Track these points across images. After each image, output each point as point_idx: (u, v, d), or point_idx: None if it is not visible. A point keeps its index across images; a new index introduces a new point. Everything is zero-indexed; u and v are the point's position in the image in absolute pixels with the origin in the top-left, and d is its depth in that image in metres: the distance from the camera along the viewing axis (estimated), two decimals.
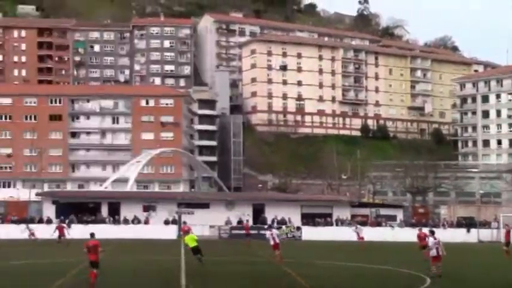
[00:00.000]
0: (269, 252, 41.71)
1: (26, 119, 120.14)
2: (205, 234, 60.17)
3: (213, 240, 60.21)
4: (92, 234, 28.83)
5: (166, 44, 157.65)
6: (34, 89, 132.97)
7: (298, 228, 67.99)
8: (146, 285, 30.11)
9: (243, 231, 62.67)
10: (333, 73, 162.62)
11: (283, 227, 66.83)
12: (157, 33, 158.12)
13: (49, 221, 62.78)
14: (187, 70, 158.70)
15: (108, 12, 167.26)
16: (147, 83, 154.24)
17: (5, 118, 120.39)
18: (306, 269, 35.92)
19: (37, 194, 76.58)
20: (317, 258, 43.79)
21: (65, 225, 58.61)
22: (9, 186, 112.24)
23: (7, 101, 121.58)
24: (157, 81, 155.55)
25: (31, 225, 59.83)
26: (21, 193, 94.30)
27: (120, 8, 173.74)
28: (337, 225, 70.08)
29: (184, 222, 60.41)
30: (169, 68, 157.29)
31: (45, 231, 57.49)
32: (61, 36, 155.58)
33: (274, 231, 42.90)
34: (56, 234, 54.78)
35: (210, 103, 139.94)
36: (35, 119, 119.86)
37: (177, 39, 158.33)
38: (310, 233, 66.88)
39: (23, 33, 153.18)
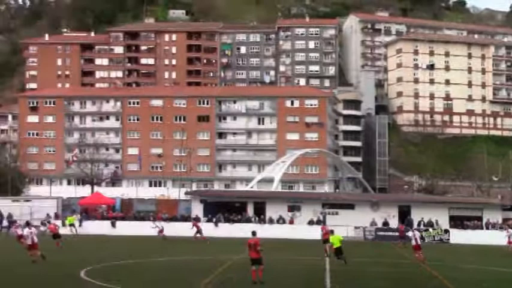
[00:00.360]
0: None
1: (176, 120, 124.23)
2: (349, 235, 59.77)
3: (358, 241, 59.71)
4: (254, 233, 29.50)
5: (311, 44, 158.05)
6: (183, 90, 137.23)
7: (446, 231, 66.02)
8: (293, 284, 30.27)
9: (391, 233, 62.05)
10: (483, 71, 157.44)
11: (430, 229, 65.25)
12: (302, 34, 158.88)
13: (197, 220, 64.32)
14: (332, 70, 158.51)
15: (254, 14, 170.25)
16: (292, 83, 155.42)
17: (157, 119, 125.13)
18: (454, 273, 34.93)
19: (186, 193, 78.61)
20: (465, 262, 42.46)
21: (199, 223, 59.87)
22: (160, 185, 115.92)
23: (158, 102, 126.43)
24: (302, 81, 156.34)
25: (158, 223, 61.37)
26: (171, 192, 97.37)
27: (265, 10, 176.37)
28: (487, 228, 67.56)
29: (324, 223, 60.45)
30: (314, 68, 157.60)
31: (193, 230, 58.84)
32: (209, 39, 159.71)
33: (417, 232, 42.06)
34: (194, 231, 56.35)
35: (355, 103, 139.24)
36: (184, 119, 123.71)
37: (321, 40, 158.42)
38: (458, 236, 64.78)
39: (174, 36, 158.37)
